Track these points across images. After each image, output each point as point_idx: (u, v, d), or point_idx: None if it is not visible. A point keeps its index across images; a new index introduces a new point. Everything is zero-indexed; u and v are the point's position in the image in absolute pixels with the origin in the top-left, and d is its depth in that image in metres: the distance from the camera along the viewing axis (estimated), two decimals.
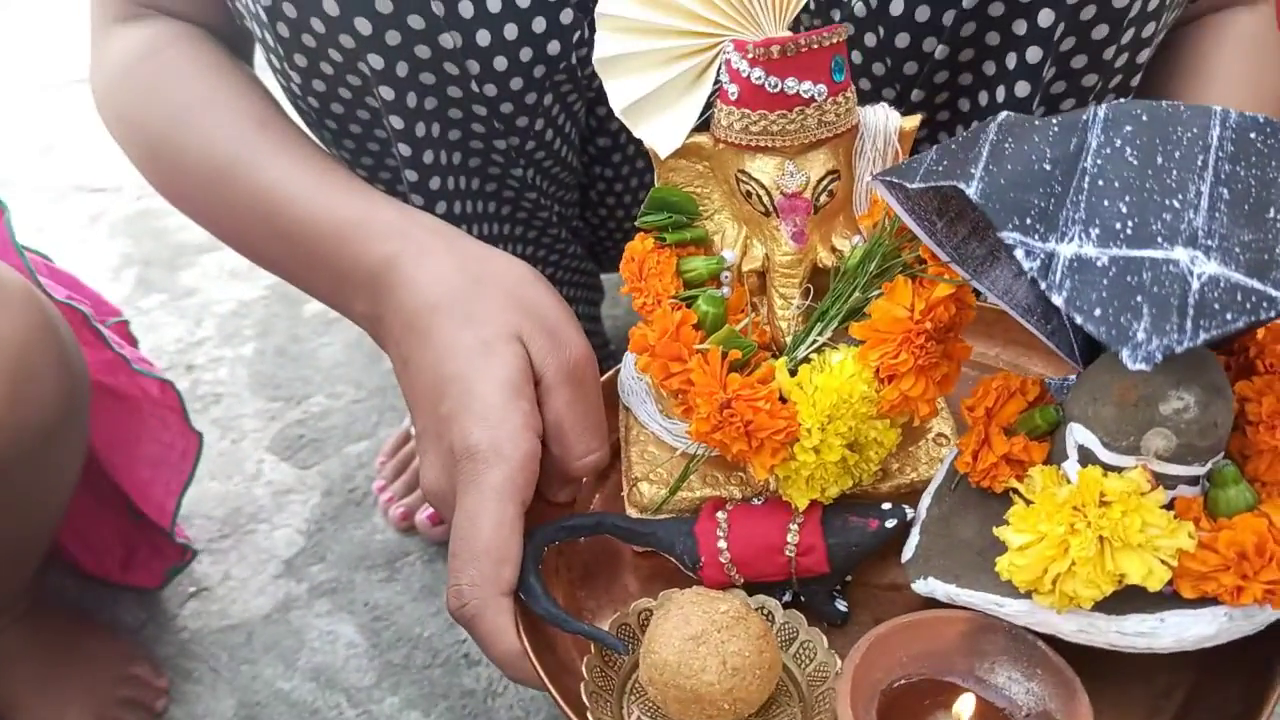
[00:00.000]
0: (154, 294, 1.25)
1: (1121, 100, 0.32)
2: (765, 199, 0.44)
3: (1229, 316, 0.28)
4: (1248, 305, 0.28)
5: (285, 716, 0.78)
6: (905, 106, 0.57)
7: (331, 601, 0.86)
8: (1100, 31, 0.51)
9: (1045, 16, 0.51)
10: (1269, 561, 0.35)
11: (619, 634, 0.44)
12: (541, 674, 0.41)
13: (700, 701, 0.39)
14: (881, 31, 0.55)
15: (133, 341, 0.82)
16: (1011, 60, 0.54)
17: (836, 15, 0.58)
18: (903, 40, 0.55)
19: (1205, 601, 0.36)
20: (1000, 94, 0.56)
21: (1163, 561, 0.35)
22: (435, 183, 0.61)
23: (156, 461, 0.78)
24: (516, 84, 0.57)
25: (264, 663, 0.81)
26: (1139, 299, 0.28)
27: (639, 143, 0.75)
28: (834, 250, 0.45)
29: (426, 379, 0.48)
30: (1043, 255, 0.30)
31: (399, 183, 0.62)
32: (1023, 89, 0.55)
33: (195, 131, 0.57)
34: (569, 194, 0.74)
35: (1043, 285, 0.29)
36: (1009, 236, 0.30)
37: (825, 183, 0.44)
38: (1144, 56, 0.55)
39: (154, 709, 0.77)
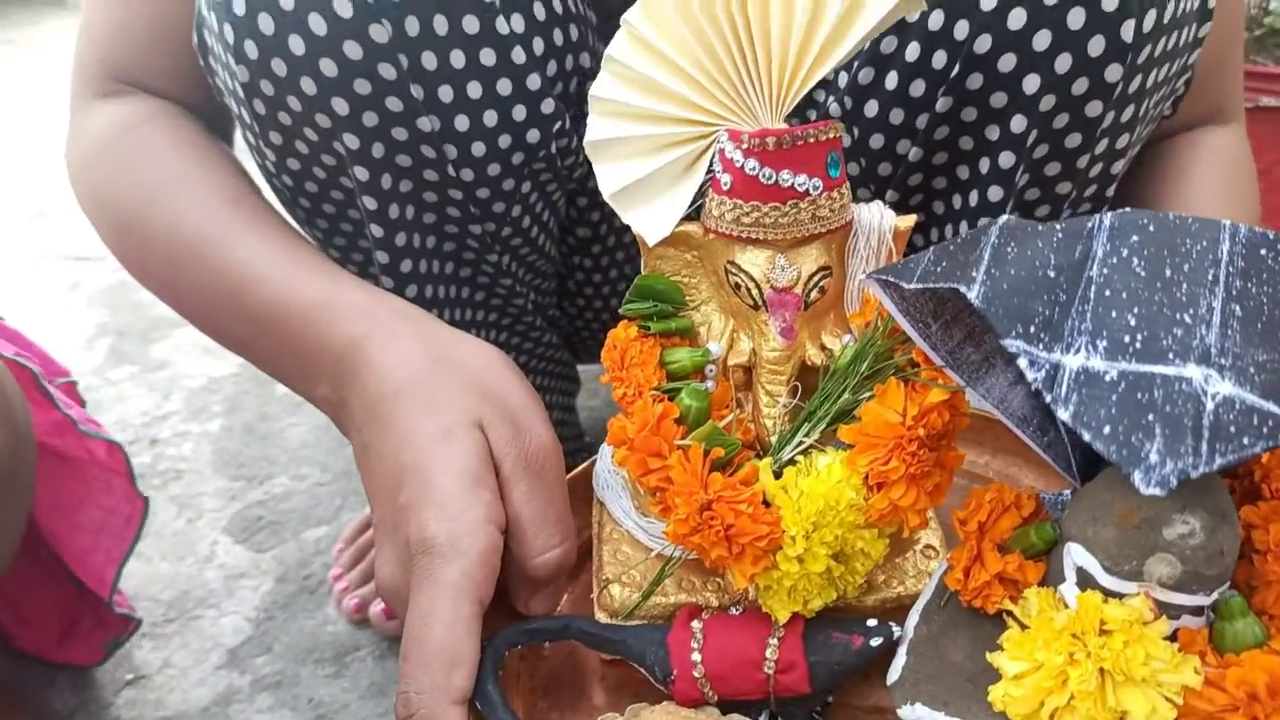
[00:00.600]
0: (125, 365, 1.22)
1: (1127, 209, 0.31)
2: (754, 292, 0.42)
3: (1245, 441, 0.26)
4: (1264, 430, 0.26)
5: None
6: None
7: (274, 696, 0.81)
8: (1073, 140, 0.52)
9: (1018, 123, 0.51)
10: (1277, 704, 0.32)
11: None
12: None
13: None
14: (856, 132, 0.55)
15: (80, 402, 0.79)
16: (985, 165, 0.54)
17: (813, 115, 0.58)
18: (877, 141, 0.55)
19: None
20: (974, 198, 0.56)
21: (1167, 699, 0.33)
22: (407, 265, 0.59)
23: (98, 528, 0.74)
24: (494, 170, 0.56)
25: None
26: (1151, 418, 0.26)
27: (620, 234, 0.75)
28: (824, 349, 0.44)
29: (387, 467, 0.45)
30: (1048, 366, 0.28)
31: (371, 265, 0.60)
32: (996, 194, 0.54)
33: (166, 208, 0.56)
34: (546, 283, 0.73)
35: (1048, 398, 0.28)
36: (1013, 345, 0.29)
37: (816, 279, 0.42)
38: (1118, 168, 0.55)
39: None
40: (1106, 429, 0.27)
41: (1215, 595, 0.34)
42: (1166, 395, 0.27)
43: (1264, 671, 0.32)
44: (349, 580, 0.87)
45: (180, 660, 0.83)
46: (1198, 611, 0.35)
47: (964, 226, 0.58)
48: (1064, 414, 0.27)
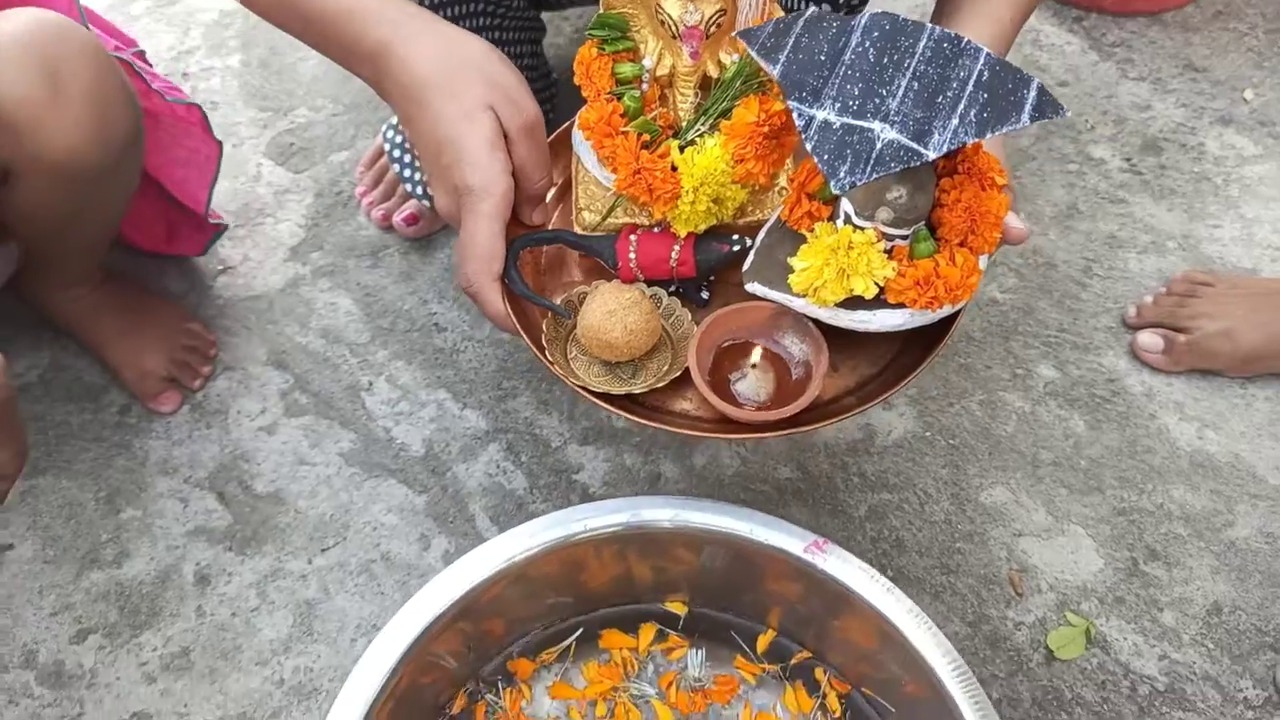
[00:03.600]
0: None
1: (881, 12, 0.54)
2: (674, 28, 0.64)
3: (892, 165, 0.52)
4: (904, 157, 0.52)
5: (305, 362, 1.04)
6: None
7: (331, 280, 1.10)
8: None
9: None
10: (930, 287, 0.62)
11: (566, 305, 0.70)
12: (518, 327, 0.67)
13: (611, 348, 0.66)
14: None
15: (149, 64, 0.99)
16: None
17: None
18: None
19: (899, 306, 0.64)
20: None
21: (876, 284, 0.62)
22: None
23: (186, 162, 0.99)
24: None
25: (284, 323, 1.07)
26: (847, 152, 0.52)
27: None
28: (720, 64, 0.67)
29: (430, 137, 0.68)
30: (807, 117, 0.53)
31: None
32: None
33: None
34: None
35: (803, 136, 0.53)
36: (791, 104, 0.53)
37: (714, 18, 0.64)
38: None
39: (209, 355, 1.03)
40: (825, 157, 0.52)
41: (913, 229, 0.63)
42: (859, 139, 0.52)
43: (926, 271, 0.62)
44: (373, 197, 1.13)
45: (255, 255, 1.11)
46: (905, 238, 0.63)
47: None
48: (808, 146, 0.52)
